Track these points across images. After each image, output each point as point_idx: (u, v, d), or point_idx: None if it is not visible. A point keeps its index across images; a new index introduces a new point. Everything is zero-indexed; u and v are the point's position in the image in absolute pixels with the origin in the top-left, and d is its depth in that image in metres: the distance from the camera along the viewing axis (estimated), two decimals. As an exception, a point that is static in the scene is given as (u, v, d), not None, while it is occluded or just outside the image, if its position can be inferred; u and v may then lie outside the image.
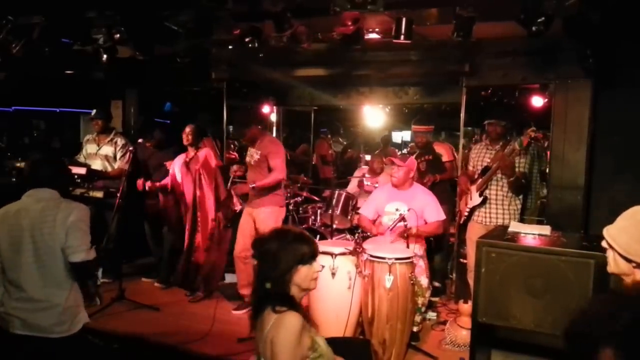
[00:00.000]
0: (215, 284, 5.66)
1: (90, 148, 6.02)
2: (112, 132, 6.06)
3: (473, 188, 4.91)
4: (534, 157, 5.30)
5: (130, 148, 5.84)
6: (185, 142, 5.48)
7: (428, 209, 4.60)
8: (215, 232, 5.48)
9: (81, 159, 6.04)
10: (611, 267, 2.03)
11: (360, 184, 6.43)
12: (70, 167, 5.25)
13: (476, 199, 4.84)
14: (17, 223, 2.84)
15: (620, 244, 1.97)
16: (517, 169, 4.71)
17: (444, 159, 6.05)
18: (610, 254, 2.02)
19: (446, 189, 5.91)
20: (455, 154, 6.19)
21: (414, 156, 6.21)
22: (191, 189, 5.44)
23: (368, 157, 8.01)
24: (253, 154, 5.09)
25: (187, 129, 5.47)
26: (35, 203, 2.89)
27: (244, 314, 4.98)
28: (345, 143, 10.64)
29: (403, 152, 9.71)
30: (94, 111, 6.02)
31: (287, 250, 2.27)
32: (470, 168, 5.07)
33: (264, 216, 4.96)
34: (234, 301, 5.32)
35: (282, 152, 5.11)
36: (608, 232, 2.04)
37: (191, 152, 5.51)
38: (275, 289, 2.27)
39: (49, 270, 2.82)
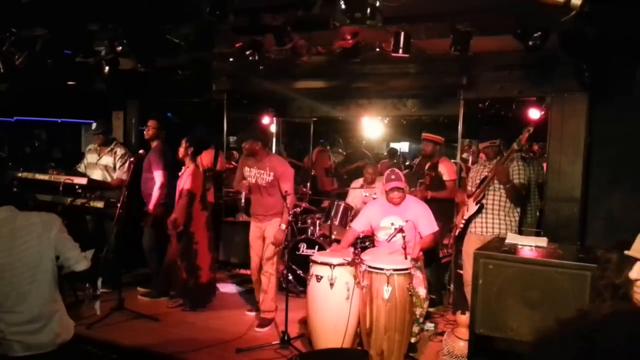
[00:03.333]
0: (212, 296, 5.72)
1: (90, 157, 6.07)
2: (112, 142, 6.11)
3: (470, 200, 4.92)
4: (532, 169, 5.33)
5: (131, 158, 5.86)
6: (180, 156, 5.48)
7: (421, 222, 4.56)
8: (208, 248, 5.55)
9: (81, 168, 6.08)
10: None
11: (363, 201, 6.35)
12: (72, 178, 5.36)
13: (472, 209, 4.84)
14: None
15: None
16: (517, 180, 4.70)
17: (445, 177, 5.79)
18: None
19: (447, 209, 5.67)
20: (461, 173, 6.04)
21: (416, 166, 6.21)
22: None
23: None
24: (261, 174, 5.06)
25: (182, 142, 5.47)
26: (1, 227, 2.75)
27: (255, 315, 5.29)
28: (344, 153, 10.67)
29: (395, 162, 9.69)
30: (94, 125, 6.04)
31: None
32: (469, 188, 5.06)
33: (274, 226, 5.02)
34: (232, 311, 5.45)
35: (292, 173, 5.11)
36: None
37: (184, 167, 5.50)
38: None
39: (40, 286, 2.76)
